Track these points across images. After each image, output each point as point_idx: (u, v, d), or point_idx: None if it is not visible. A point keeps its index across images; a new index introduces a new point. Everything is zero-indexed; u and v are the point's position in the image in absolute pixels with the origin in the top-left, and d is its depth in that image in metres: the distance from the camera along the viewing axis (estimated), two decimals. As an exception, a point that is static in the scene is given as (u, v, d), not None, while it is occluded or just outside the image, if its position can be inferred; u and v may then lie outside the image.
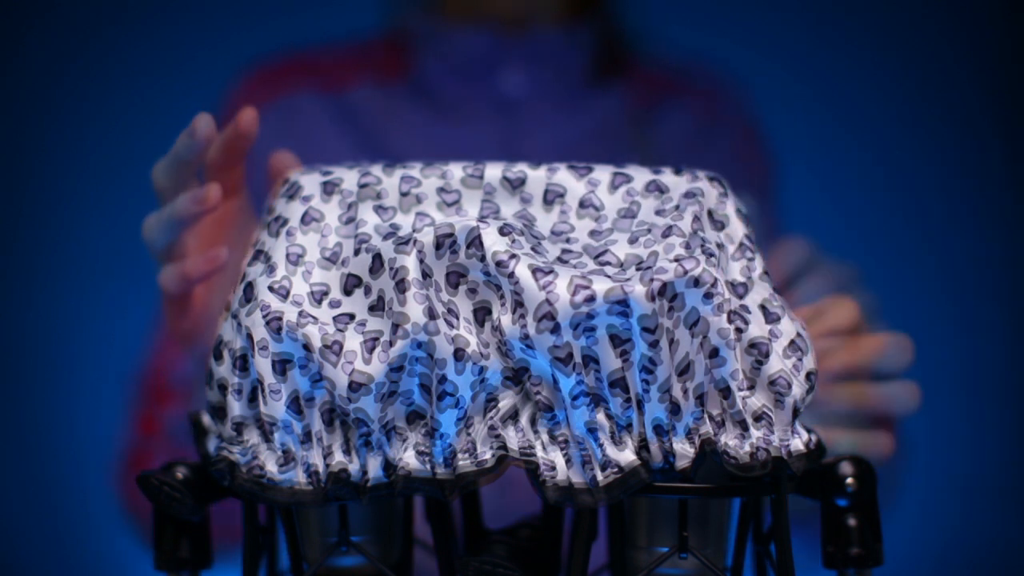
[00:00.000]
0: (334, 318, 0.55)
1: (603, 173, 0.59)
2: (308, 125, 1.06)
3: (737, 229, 0.58)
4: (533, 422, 0.54)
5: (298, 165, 0.66)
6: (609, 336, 0.53)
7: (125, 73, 1.47)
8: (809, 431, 0.56)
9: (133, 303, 1.05)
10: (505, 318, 0.53)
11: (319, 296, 0.56)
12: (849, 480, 0.57)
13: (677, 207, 0.57)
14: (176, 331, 0.68)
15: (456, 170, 0.60)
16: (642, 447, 0.54)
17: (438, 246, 0.54)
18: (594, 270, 0.54)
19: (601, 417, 0.53)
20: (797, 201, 1.11)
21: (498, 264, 0.53)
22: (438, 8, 1.07)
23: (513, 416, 0.55)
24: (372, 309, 0.55)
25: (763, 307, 0.56)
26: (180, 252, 0.65)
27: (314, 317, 0.55)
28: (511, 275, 0.53)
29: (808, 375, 0.55)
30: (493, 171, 0.60)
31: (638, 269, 0.54)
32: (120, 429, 1.02)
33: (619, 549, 0.57)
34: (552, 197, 0.59)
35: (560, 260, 0.55)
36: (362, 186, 0.59)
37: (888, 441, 0.70)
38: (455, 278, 0.54)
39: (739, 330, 0.55)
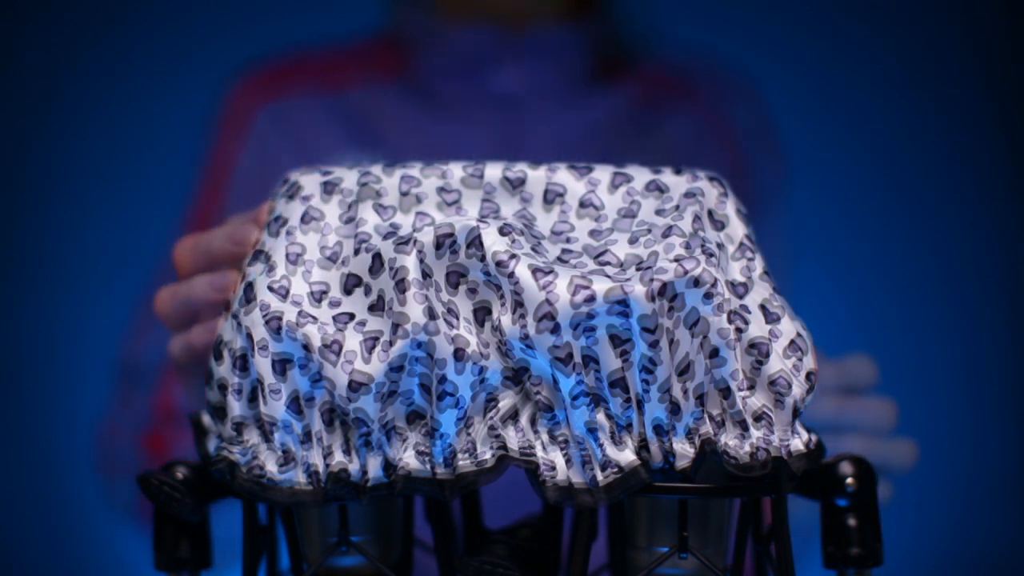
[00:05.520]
0: (334, 318, 0.55)
1: (603, 173, 0.59)
2: (307, 125, 1.06)
3: (737, 229, 0.58)
4: (533, 422, 0.54)
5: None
6: (609, 336, 0.53)
7: (124, 74, 1.47)
8: (809, 431, 0.56)
9: (133, 303, 1.05)
10: (505, 318, 0.53)
11: (319, 296, 0.56)
12: (849, 480, 0.57)
13: (677, 207, 0.57)
14: (192, 390, 0.67)
15: (456, 170, 0.60)
16: (642, 447, 0.54)
17: (438, 246, 0.54)
18: (594, 270, 0.54)
19: (601, 417, 0.53)
20: (799, 200, 1.11)
21: (498, 264, 0.53)
22: (436, 7, 1.07)
23: (513, 416, 0.54)
24: (372, 309, 0.55)
25: (763, 307, 0.56)
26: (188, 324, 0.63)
27: (314, 317, 0.55)
28: (511, 275, 0.53)
29: (808, 375, 0.55)
30: (493, 171, 0.60)
31: (638, 269, 0.54)
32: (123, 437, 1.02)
33: (619, 549, 0.57)
34: (552, 197, 0.59)
35: (560, 260, 0.55)
36: (362, 185, 0.59)
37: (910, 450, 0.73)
38: (455, 278, 0.54)
39: (739, 330, 0.55)
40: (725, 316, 0.54)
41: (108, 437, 1.04)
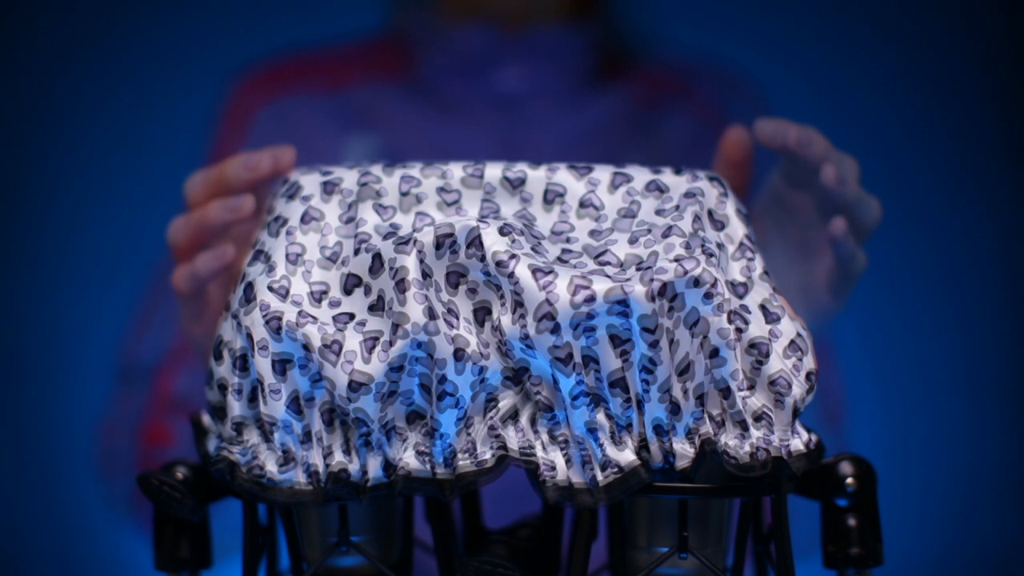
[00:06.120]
0: (334, 318, 0.55)
1: (603, 173, 0.60)
2: (308, 125, 1.06)
3: (737, 229, 0.58)
4: (533, 422, 0.54)
5: None
6: (609, 336, 0.53)
7: (125, 73, 1.47)
8: (809, 431, 0.56)
9: (133, 303, 1.05)
10: (505, 318, 0.53)
11: (319, 296, 0.56)
12: (849, 480, 0.57)
13: (677, 207, 0.57)
14: (192, 334, 0.68)
15: (456, 170, 0.60)
16: (642, 447, 0.54)
17: (438, 246, 0.54)
18: (594, 270, 0.54)
19: (601, 417, 0.53)
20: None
21: (498, 264, 0.53)
22: (437, 7, 1.07)
23: (513, 416, 0.54)
24: (372, 309, 0.55)
25: (763, 307, 0.56)
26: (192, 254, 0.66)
27: (314, 317, 0.55)
28: (511, 275, 0.53)
29: (808, 375, 0.55)
30: (493, 171, 0.60)
31: (638, 269, 0.54)
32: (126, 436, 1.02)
33: (619, 549, 0.57)
34: (552, 197, 0.59)
35: (560, 260, 0.55)
36: (362, 185, 0.59)
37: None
38: (455, 278, 0.54)
39: (739, 330, 0.55)
40: (725, 316, 0.54)
41: (107, 436, 1.04)
